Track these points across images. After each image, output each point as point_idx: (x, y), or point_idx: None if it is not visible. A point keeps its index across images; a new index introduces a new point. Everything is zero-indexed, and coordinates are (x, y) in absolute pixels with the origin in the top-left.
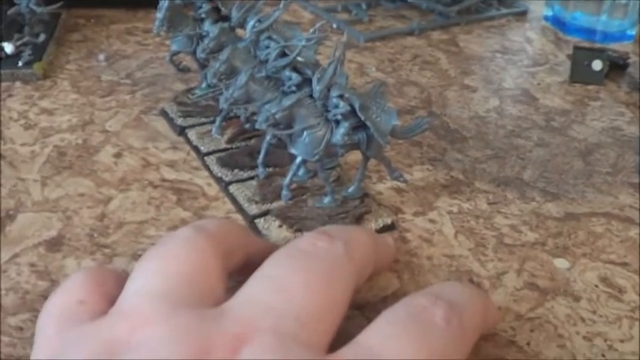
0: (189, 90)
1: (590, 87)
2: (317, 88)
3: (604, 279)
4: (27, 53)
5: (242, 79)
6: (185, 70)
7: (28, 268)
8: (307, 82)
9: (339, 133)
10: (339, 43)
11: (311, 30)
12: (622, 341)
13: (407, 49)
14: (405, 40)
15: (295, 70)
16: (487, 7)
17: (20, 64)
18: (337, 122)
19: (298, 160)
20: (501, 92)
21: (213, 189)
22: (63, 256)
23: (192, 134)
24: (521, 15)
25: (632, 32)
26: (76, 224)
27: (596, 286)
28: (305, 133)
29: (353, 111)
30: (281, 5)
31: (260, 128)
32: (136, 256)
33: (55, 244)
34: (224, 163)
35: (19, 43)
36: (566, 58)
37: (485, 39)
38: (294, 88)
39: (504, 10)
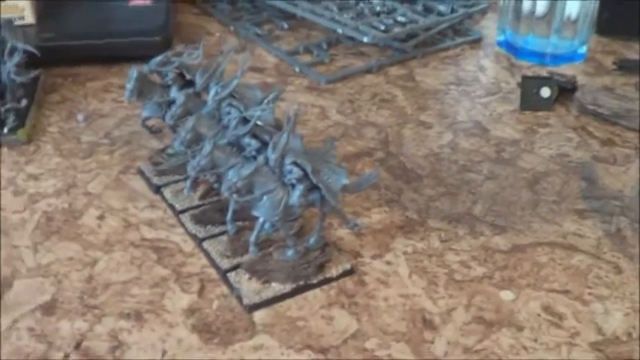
0: (163, 150)
1: (540, 113)
2: (272, 157)
3: (546, 307)
4: (11, 119)
5: (206, 148)
6: (157, 132)
7: (27, 333)
8: (266, 146)
9: (295, 196)
10: (292, 112)
11: (268, 98)
12: None
13: (366, 87)
14: (364, 79)
15: (254, 136)
16: (442, 38)
17: (5, 130)
18: (293, 186)
19: (261, 220)
20: (455, 126)
21: (189, 245)
22: (57, 319)
23: (167, 192)
24: (476, 42)
25: (583, 51)
26: (67, 287)
27: (539, 315)
28: (265, 197)
29: (306, 174)
30: (238, 73)
31: (224, 195)
32: (123, 315)
33: (49, 308)
34: (197, 220)
35: (2, 109)
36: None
37: (440, 71)
38: (254, 153)
39: (459, 40)
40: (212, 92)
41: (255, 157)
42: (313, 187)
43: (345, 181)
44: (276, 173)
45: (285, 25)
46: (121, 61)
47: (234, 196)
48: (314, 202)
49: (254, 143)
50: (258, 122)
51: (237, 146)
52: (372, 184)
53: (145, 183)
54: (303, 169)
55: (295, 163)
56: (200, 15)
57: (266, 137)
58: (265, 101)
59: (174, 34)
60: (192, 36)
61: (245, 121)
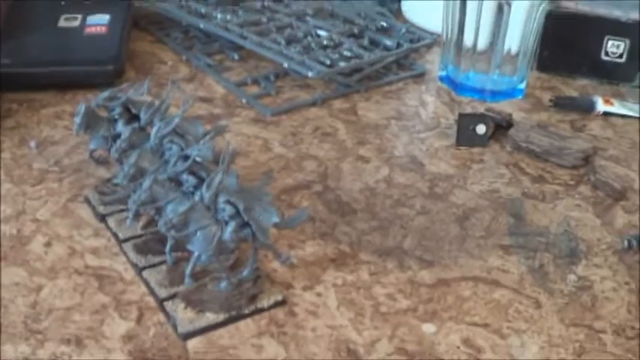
0: (109, 180)
1: (475, 149)
2: (206, 195)
3: (466, 340)
4: None
5: (146, 183)
6: (104, 162)
7: None
8: (203, 182)
9: (228, 232)
10: (227, 152)
11: (207, 135)
12: None
13: (309, 120)
14: (308, 112)
15: (192, 172)
16: (386, 72)
17: None
18: (226, 222)
19: (195, 254)
20: (392, 161)
21: (130, 273)
22: (2, 343)
23: (112, 221)
24: (419, 77)
25: (522, 87)
26: (12, 312)
27: (458, 347)
28: (199, 232)
29: (239, 212)
30: (180, 111)
31: (160, 231)
32: (64, 341)
33: None
34: (139, 250)
35: None
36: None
37: (382, 105)
38: (192, 189)
39: (402, 74)
40: (155, 129)
41: (193, 193)
42: (245, 224)
43: (276, 219)
44: (210, 210)
45: (236, 56)
46: (75, 88)
47: (172, 231)
48: (246, 238)
49: (192, 179)
50: (197, 159)
51: (176, 181)
52: (302, 222)
53: (91, 211)
54: (236, 207)
55: (228, 202)
56: (154, 43)
57: (203, 174)
58: (204, 139)
59: (128, 63)
60: (145, 64)
61: (185, 157)
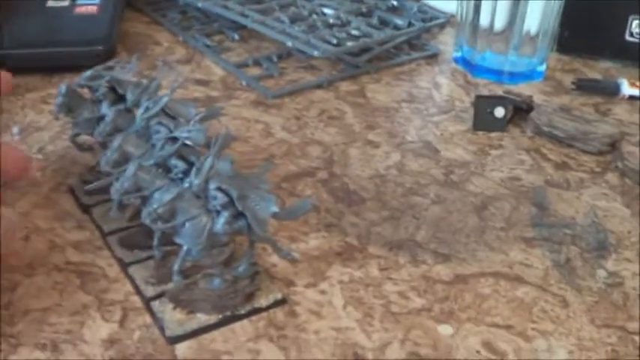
0: (95, 167)
1: (493, 134)
2: (195, 182)
3: (486, 343)
4: None
5: (130, 169)
6: (89, 149)
7: None
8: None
9: (220, 223)
10: (221, 135)
11: (199, 116)
12: None
13: (314, 103)
14: (313, 94)
15: (182, 157)
16: (397, 53)
17: None
18: (218, 212)
19: (184, 248)
20: (404, 146)
21: (114, 270)
22: None
23: (96, 212)
24: (432, 58)
25: (542, 69)
26: None
27: (478, 352)
28: (187, 224)
29: (232, 201)
30: (169, 91)
31: (144, 223)
32: (39, 346)
33: None
34: (124, 244)
35: None
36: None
37: (393, 87)
38: (180, 176)
39: (415, 55)
40: (141, 109)
41: (182, 180)
42: (240, 214)
43: (275, 209)
44: (200, 199)
45: (236, 37)
46: (63, 71)
47: (157, 223)
48: (242, 230)
49: (181, 165)
50: (188, 142)
51: (164, 167)
52: (305, 212)
53: (74, 202)
54: (229, 195)
55: (220, 189)
56: (150, 24)
57: (194, 159)
58: (193, 120)
59: (121, 44)
60: (138, 46)
61: (174, 140)
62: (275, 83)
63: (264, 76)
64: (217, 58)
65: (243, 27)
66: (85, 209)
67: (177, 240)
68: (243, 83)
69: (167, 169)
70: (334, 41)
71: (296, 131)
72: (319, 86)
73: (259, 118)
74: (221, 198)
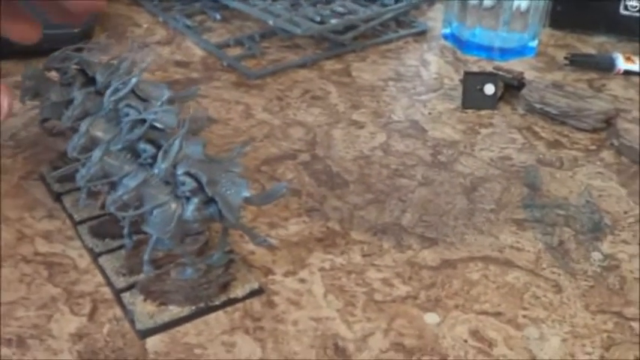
0: (66, 154)
1: (483, 112)
2: (161, 166)
3: (474, 332)
4: None
5: (96, 155)
6: (60, 134)
7: None
8: None
9: (190, 210)
10: (187, 118)
11: (167, 97)
12: None
13: (297, 83)
14: (296, 74)
15: (150, 141)
16: (384, 30)
17: None
18: (188, 199)
19: (154, 237)
20: (390, 126)
21: (85, 260)
22: None
23: (67, 200)
24: (421, 35)
25: (533, 44)
26: None
27: (466, 341)
28: (155, 211)
29: (202, 186)
30: (137, 71)
31: (109, 211)
32: (4, 341)
33: None
34: (95, 233)
35: None
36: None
37: (379, 65)
38: (150, 161)
39: (402, 32)
40: (109, 90)
41: (151, 165)
42: (210, 200)
43: (246, 193)
44: (169, 185)
45: (218, 16)
46: (39, 55)
47: (123, 210)
48: (213, 216)
49: (150, 149)
50: (158, 125)
51: (133, 152)
52: (280, 197)
53: (46, 190)
54: (198, 180)
55: (189, 174)
56: (130, 5)
57: (164, 143)
58: (160, 101)
59: (99, 26)
60: (117, 27)
61: (143, 122)
62: (257, 63)
63: (246, 56)
64: (198, 38)
65: (225, 7)
66: (57, 197)
67: (146, 228)
68: (224, 64)
69: (137, 155)
70: (318, 19)
71: (278, 112)
72: (303, 66)
73: (240, 99)
74: (190, 183)
